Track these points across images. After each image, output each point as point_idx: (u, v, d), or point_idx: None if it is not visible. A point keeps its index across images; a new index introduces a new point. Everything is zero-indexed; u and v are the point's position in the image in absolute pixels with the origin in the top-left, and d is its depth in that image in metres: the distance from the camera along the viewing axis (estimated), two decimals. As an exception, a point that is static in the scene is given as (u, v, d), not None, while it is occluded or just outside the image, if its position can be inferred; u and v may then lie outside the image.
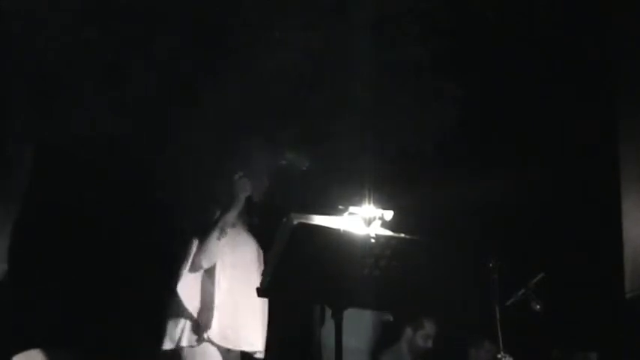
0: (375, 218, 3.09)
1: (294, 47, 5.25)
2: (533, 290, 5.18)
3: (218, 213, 4.33)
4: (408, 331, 6.04)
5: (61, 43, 4.99)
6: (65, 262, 6.04)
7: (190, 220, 4.57)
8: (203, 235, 4.27)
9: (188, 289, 4.24)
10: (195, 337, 4.22)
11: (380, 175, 4.41)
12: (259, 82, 5.25)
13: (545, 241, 6.25)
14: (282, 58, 5.23)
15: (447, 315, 5.91)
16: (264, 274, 3.17)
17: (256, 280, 3.36)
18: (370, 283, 3.06)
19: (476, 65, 5.94)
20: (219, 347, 4.27)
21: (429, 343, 6.02)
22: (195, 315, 4.23)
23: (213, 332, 4.22)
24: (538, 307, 5.13)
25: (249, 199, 4.32)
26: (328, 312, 3.15)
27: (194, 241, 4.26)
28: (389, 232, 3.09)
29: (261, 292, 3.13)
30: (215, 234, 4.24)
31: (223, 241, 4.26)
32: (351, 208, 3.12)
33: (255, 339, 4.35)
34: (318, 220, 3.02)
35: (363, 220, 3.09)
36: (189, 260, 4.23)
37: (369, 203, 3.14)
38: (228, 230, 4.30)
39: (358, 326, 5.52)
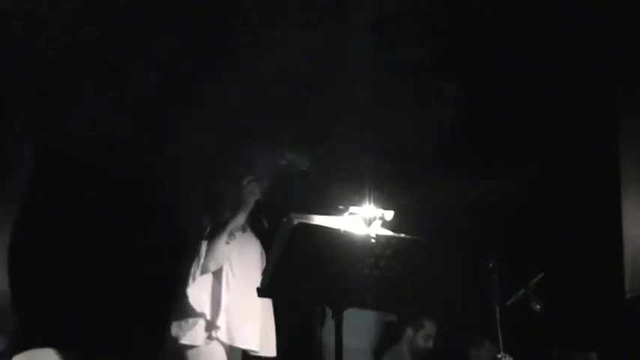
0: (375, 218, 3.09)
1: (294, 47, 5.25)
2: (533, 290, 5.18)
3: (227, 214, 4.33)
4: (409, 332, 6.03)
5: (61, 43, 4.99)
6: (65, 262, 6.04)
7: (190, 220, 4.56)
8: (212, 237, 4.28)
9: (197, 290, 4.25)
10: (202, 337, 4.22)
11: (380, 175, 4.41)
12: (259, 82, 5.25)
13: (545, 241, 6.25)
14: (282, 58, 5.23)
15: (447, 315, 5.91)
16: (264, 274, 3.17)
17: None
18: (370, 283, 3.06)
19: (476, 65, 5.94)
20: (224, 347, 4.27)
21: (430, 344, 6.02)
22: (203, 315, 4.24)
23: (221, 332, 4.23)
24: (538, 307, 5.13)
25: (257, 203, 4.34)
26: (328, 312, 3.15)
27: (203, 243, 4.26)
28: (389, 232, 3.09)
29: (261, 292, 3.14)
30: (224, 237, 4.26)
31: (231, 243, 4.28)
32: (352, 208, 3.12)
33: (263, 339, 4.36)
34: (318, 220, 3.02)
35: (364, 220, 3.09)
36: (200, 263, 4.24)
37: (369, 203, 3.14)
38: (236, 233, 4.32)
39: (359, 326, 5.52)
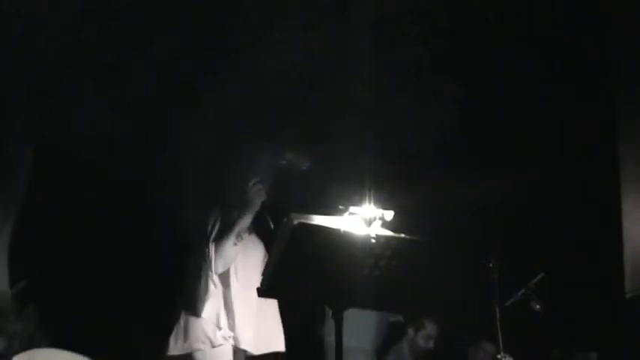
0: (375, 218, 3.09)
1: (294, 47, 5.25)
2: (533, 290, 5.18)
3: (234, 216, 4.33)
4: (410, 332, 6.03)
5: (61, 43, 4.99)
6: (65, 262, 6.04)
7: (191, 220, 4.56)
8: (219, 239, 4.28)
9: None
10: (209, 339, 4.22)
11: (380, 175, 4.40)
12: (259, 82, 5.25)
13: (545, 241, 6.25)
14: (282, 58, 5.23)
15: (447, 315, 5.91)
16: (264, 274, 3.16)
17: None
18: (370, 283, 3.06)
19: (476, 65, 5.94)
20: (230, 348, 4.27)
21: (430, 344, 6.02)
22: (210, 317, 4.24)
23: (227, 334, 4.23)
24: (538, 307, 5.13)
25: (262, 204, 4.34)
26: (328, 312, 3.15)
27: (211, 245, 4.27)
28: (389, 233, 3.09)
29: (261, 292, 3.13)
30: (231, 239, 4.27)
31: (238, 245, 4.29)
32: (352, 208, 3.12)
33: (268, 338, 4.37)
34: (318, 220, 3.02)
35: (364, 220, 3.09)
36: (209, 265, 4.24)
37: (369, 203, 3.13)
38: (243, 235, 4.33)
39: (360, 326, 5.51)
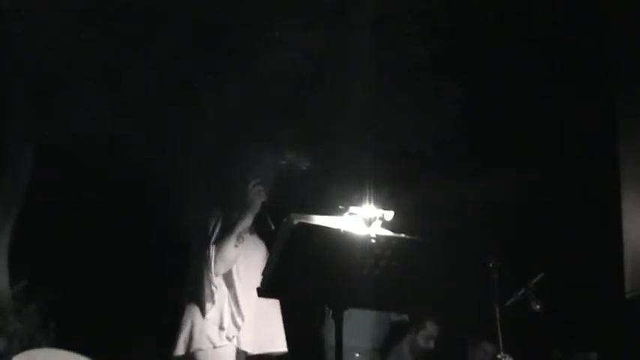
0: (375, 218, 3.09)
1: (294, 47, 5.25)
2: (533, 290, 5.18)
3: (234, 217, 4.33)
4: (410, 332, 6.03)
5: (61, 43, 4.99)
6: (65, 262, 6.04)
7: (191, 220, 4.56)
8: (220, 240, 4.28)
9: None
10: (211, 340, 4.22)
11: (380, 175, 4.40)
12: (259, 82, 5.25)
13: (545, 241, 6.25)
14: (282, 58, 5.23)
15: (447, 315, 5.91)
16: (264, 273, 3.16)
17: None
18: (370, 283, 3.06)
19: (476, 65, 5.94)
20: (233, 349, 4.27)
21: (431, 344, 6.02)
22: (213, 318, 4.24)
23: (230, 335, 4.23)
24: (538, 307, 5.13)
25: (263, 205, 4.34)
26: (328, 312, 3.15)
27: (211, 247, 4.27)
28: (389, 233, 3.09)
29: (261, 292, 3.13)
30: (232, 240, 4.26)
31: (239, 246, 4.29)
32: (352, 208, 3.12)
33: (274, 340, 4.37)
34: (318, 220, 3.02)
35: (364, 220, 3.09)
36: (210, 267, 4.24)
37: (369, 203, 3.13)
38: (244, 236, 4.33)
39: (359, 326, 5.51)
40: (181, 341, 4.24)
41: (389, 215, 3.11)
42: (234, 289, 4.27)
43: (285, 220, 3.00)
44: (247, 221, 4.31)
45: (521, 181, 6.01)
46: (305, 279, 3.04)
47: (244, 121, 5.19)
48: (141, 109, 5.16)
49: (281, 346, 4.40)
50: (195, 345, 4.21)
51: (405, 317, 5.93)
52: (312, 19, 5.32)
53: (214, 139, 5.16)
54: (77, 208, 5.99)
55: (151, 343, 5.08)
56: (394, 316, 5.91)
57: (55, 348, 4.86)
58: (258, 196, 4.32)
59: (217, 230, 4.31)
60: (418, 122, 5.72)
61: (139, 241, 6.09)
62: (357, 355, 5.75)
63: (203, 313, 4.22)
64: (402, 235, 3.08)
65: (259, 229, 4.44)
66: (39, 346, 5.23)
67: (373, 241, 3.03)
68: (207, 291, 4.23)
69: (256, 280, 4.10)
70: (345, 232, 3.01)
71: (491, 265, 4.86)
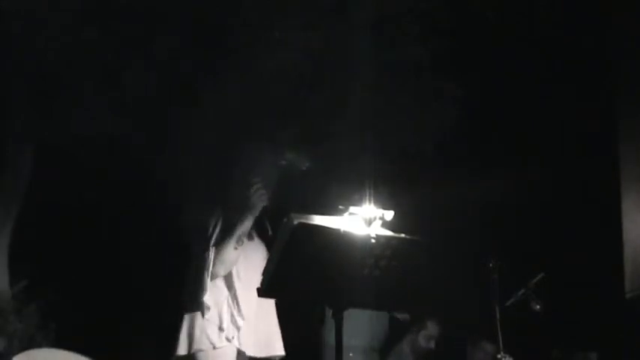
0: (375, 218, 3.09)
1: (294, 47, 5.25)
2: (533, 290, 5.18)
3: (234, 220, 4.33)
4: (411, 332, 6.03)
5: (61, 43, 4.99)
6: (65, 262, 6.04)
7: (191, 220, 4.56)
8: (220, 243, 4.28)
9: (208, 296, 4.26)
10: (212, 341, 4.22)
11: (380, 175, 4.40)
12: (259, 82, 5.25)
13: (545, 241, 6.25)
14: (282, 58, 5.23)
15: (447, 315, 5.91)
16: (264, 274, 3.16)
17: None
18: (370, 283, 3.06)
19: (476, 65, 5.94)
20: (233, 350, 4.27)
21: (432, 344, 6.02)
22: (212, 319, 4.24)
23: (229, 336, 4.23)
24: (538, 307, 5.13)
25: (263, 208, 4.34)
26: (328, 312, 3.15)
27: (211, 249, 4.27)
28: (389, 233, 3.09)
29: (261, 292, 3.13)
30: (232, 243, 4.26)
31: (239, 249, 4.29)
32: (352, 208, 3.11)
33: (269, 341, 4.37)
34: (318, 220, 3.02)
35: (364, 220, 3.09)
36: (209, 269, 4.24)
37: (369, 203, 3.13)
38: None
39: (360, 326, 5.52)
40: (182, 341, 4.24)
41: (389, 215, 3.11)
42: (234, 290, 4.27)
43: (285, 220, 3.00)
44: (247, 224, 4.30)
45: (521, 181, 6.01)
46: (305, 279, 3.04)
47: (244, 121, 5.19)
48: (141, 109, 5.16)
49: (279, 349, 4.40)
50: (196, 345, 4.21)
51: (406, 317, 5.93)
52: (312, 19, 5.32)
53: (214, 139, 5.16)
54: (77, 208, 5.99)
55: (151, 343, 5.08)
56: (397, 316, 5.92)
57: (55, 348, 4.87)
58: (260, 200, 4.31)
59: (217, 231, 4.31)
60: (418, 122, 5.72)
61: (139, 241, 6.08)
62: (351, 354, 5.75)
63: (201, 313, 4.22)
64: (402, 235, 3.08)
65: (258, 232, 4.44)
66: (39, 346, 5.23)
67: (373, 241, 3.03)
68: (205, 292, 4.23)
69: (256, 280, 4.11)
70: (345, 232, 3.01)
71: (491, 265, 4.86)
